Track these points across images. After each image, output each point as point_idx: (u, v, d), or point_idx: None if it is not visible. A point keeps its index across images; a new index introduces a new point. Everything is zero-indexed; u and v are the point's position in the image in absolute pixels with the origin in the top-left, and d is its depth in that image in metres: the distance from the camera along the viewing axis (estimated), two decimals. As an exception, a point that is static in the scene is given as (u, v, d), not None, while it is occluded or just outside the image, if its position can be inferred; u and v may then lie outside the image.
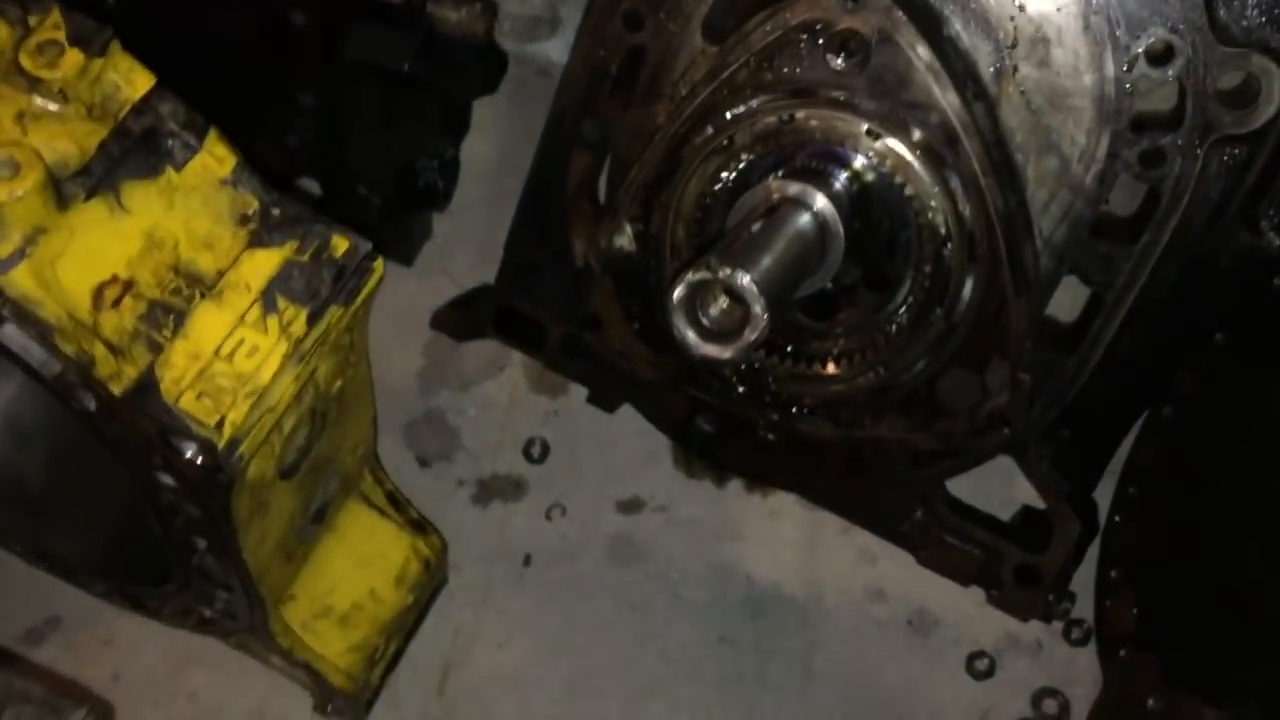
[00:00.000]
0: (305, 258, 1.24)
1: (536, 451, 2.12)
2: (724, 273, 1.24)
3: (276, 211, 1.25)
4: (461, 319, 2.12)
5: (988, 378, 1.63)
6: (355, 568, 1.71)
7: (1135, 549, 1.99)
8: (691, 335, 1.30)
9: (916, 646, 2.01)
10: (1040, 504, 1.91)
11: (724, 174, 1.65)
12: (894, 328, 1.66)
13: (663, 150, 1.68)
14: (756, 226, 1.44)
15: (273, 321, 1.21)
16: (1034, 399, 1.81)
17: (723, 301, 1.30)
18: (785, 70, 1.59)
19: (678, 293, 1.27)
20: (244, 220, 1.25)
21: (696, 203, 1.67)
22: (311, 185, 2.24)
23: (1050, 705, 1.98)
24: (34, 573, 1.80)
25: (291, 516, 1.47)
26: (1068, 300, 1.84)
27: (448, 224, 2.34)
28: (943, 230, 1.58)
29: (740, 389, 1.75)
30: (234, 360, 1.18)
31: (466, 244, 2.29)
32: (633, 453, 2.11)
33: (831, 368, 1.69)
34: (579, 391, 2.09)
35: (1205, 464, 1.95)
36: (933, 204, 1.57)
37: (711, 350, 1.29)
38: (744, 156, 1.64)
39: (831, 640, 2.00)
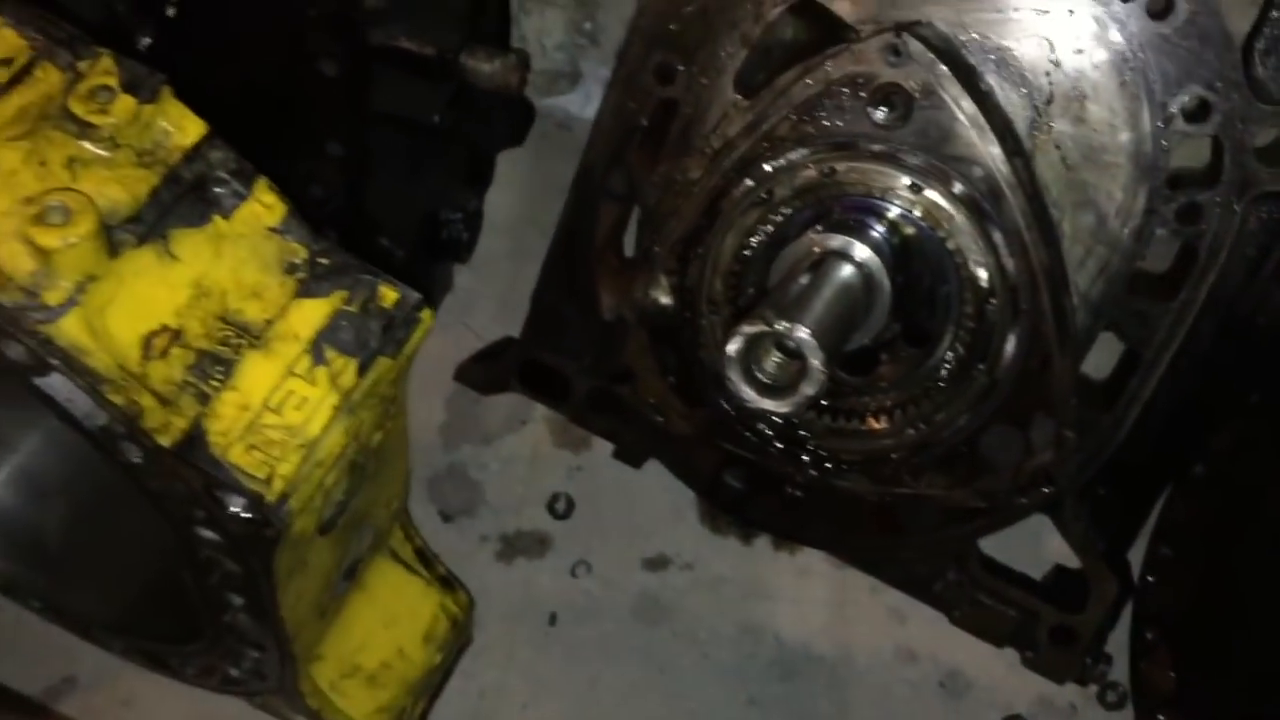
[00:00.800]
0: (354, 308, 1.22)
1: (561, 507, 2.10)
2: (781, 325, 1.22)
3: (325, 261, 1.23)
4: (486, 372, 2.10)
5: (1031, 434, 1.61)
6: (384, 626, 1.67)
7: (1170, 609, 1.95)
8: (747, 390, 1.27)
9: (950, 709, 1.99)
10: (1073, 563, 1.88)
11: (763, 227, 1.64)
12: (935, 384, 1.64)
13: (701, 203, 1.66)
14: (804, 280, 1.43)
15: (322, 373, 1.18)
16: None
17: (775, 355, 1.28)
18: (826, 123, 1.58)
19: (733, 346, 1.25)
20: (292, 269, 1.22)
21: (734, 256, 1.65)
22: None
23: (1086, 770, 1.94)
24: (50, 631, 1.75)
25: (328, 573, 1.43)
26: (1096, 358, 1.84)
27: (469, 277, 2.32)
28: (985, 285, 1.56)
29: (777, 444, 1.72)
30: (283, 412, 1.15)
31: (488, 297, 2.27)
32: (658, 509, 2.09)
33: (871, 423, 1.67)
34: (603, 447, 2.06)
35: (1238, 523, 1.92)
36: (976, 258, 1.56)
37: (769, 405, 1.27)
38: (783, 210, 1.63)
39: (863, 702, 1.97)
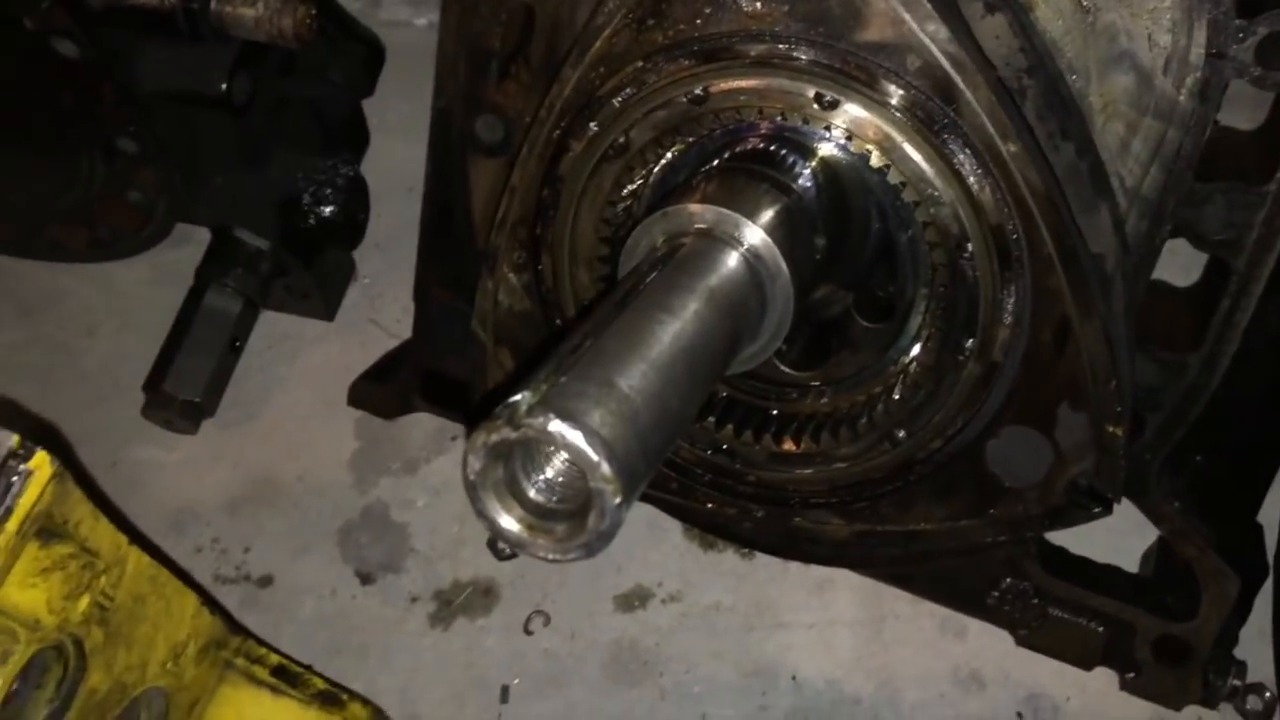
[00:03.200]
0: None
1: (507, 543, 1.64)
2: (539, 424, 0.73)
3: None
4: (383, 393, 1.66)
5: (1058, 436, 1.09)
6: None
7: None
8: (507, 522, 0.79)
9: None
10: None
11: (628, 187, 1.13)
12: (909, 373, 1.12)
13: (536, 167, 1.16)
14: (644, 286, 0.91)
15: None
16: (1145, 417, 1.27)
17: (559, 459, 0.79)
18: (681, 25, 1.06)
19: (474, 464, 0.77)
20: None
21: (596, 233, 1.15)
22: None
23: (1228, 812, 1.45)
24: None
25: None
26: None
27: (377, 259, 1.89)
28: (954, 228, 1.03)
29: (706, 479, 1.23)
30: None
31: (402, 280, 1.80)
32: (630, 528, 1.59)
33: (827, 440, 1.16)
34: (552, 458, 1.59)
35: None
36: (934, 192, 1.03)
37: (542, 545, 0.78)
38: (651, 159, 1.12)
39: (916, 752, 1.50)
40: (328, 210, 1.70)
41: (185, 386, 1.66)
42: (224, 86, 1.42)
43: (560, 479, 0.80)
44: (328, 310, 1.81)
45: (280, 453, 1.73)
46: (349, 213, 1.72)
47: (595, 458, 0.73)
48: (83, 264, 1.84)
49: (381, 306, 1.85)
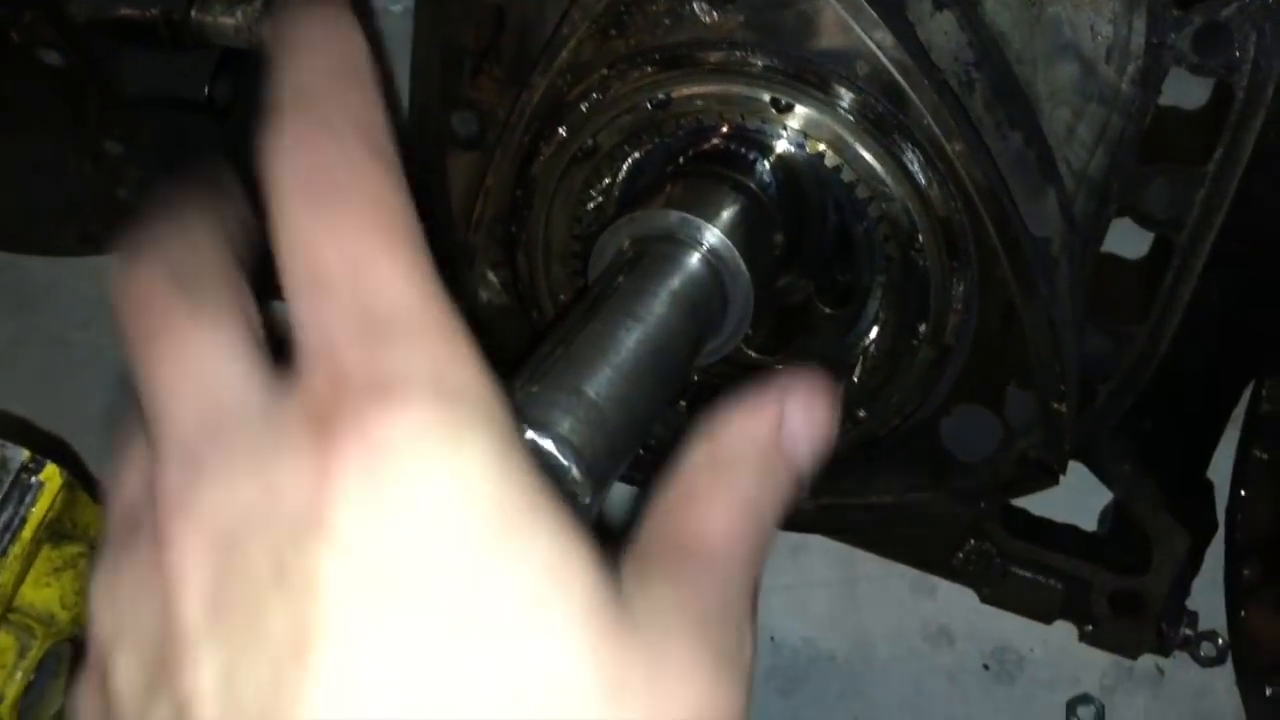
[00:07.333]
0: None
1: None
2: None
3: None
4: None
5: (1008, 413, 1.15)
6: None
7: (1276, 533, 1.51)
8: None
9: (1000, 697, 1.62)
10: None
11: (598, 186, 1.19)
12: (868, 356, 1.19)
13: (509, 170, 1.22)
14: (611, 291, 0.98)
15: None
16: (1097, 386, 1.34)
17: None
18: (643, 35, 1.11)
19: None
20: None
21: (568, 231, 1.21)
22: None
23: (1183, 754, 1.53)
24: None
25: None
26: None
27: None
28: (905, 222, 1.09)
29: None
30: None
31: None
32: (611, 495, 1.68)
33: None
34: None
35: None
36: (885, 189, 1.08)
37: None
38: (618, 160, 1.17)
39: (890, 705, 1.60)
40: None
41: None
42: (206, 91, 1.46)
43: (538, 475, 0.86)
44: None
45: (274, 436, 1.80)
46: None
47: (565, 463, 0.79)
48: (75, 257, 1.89)
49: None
